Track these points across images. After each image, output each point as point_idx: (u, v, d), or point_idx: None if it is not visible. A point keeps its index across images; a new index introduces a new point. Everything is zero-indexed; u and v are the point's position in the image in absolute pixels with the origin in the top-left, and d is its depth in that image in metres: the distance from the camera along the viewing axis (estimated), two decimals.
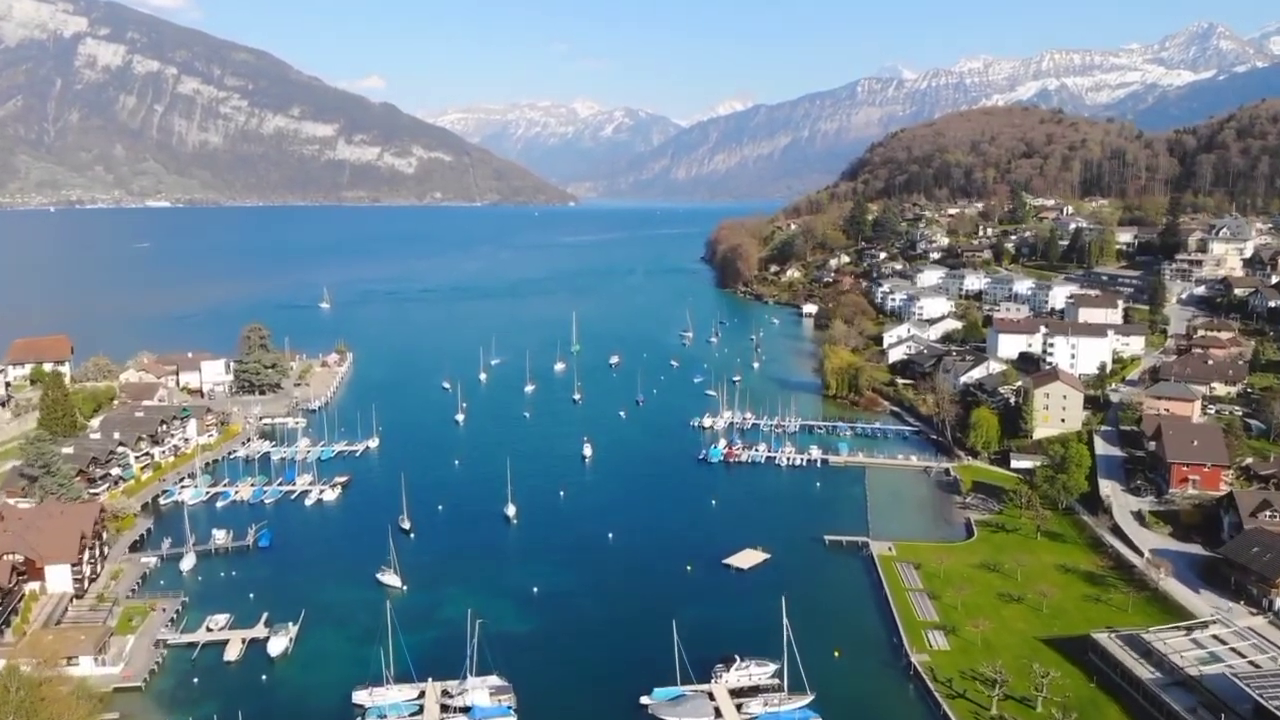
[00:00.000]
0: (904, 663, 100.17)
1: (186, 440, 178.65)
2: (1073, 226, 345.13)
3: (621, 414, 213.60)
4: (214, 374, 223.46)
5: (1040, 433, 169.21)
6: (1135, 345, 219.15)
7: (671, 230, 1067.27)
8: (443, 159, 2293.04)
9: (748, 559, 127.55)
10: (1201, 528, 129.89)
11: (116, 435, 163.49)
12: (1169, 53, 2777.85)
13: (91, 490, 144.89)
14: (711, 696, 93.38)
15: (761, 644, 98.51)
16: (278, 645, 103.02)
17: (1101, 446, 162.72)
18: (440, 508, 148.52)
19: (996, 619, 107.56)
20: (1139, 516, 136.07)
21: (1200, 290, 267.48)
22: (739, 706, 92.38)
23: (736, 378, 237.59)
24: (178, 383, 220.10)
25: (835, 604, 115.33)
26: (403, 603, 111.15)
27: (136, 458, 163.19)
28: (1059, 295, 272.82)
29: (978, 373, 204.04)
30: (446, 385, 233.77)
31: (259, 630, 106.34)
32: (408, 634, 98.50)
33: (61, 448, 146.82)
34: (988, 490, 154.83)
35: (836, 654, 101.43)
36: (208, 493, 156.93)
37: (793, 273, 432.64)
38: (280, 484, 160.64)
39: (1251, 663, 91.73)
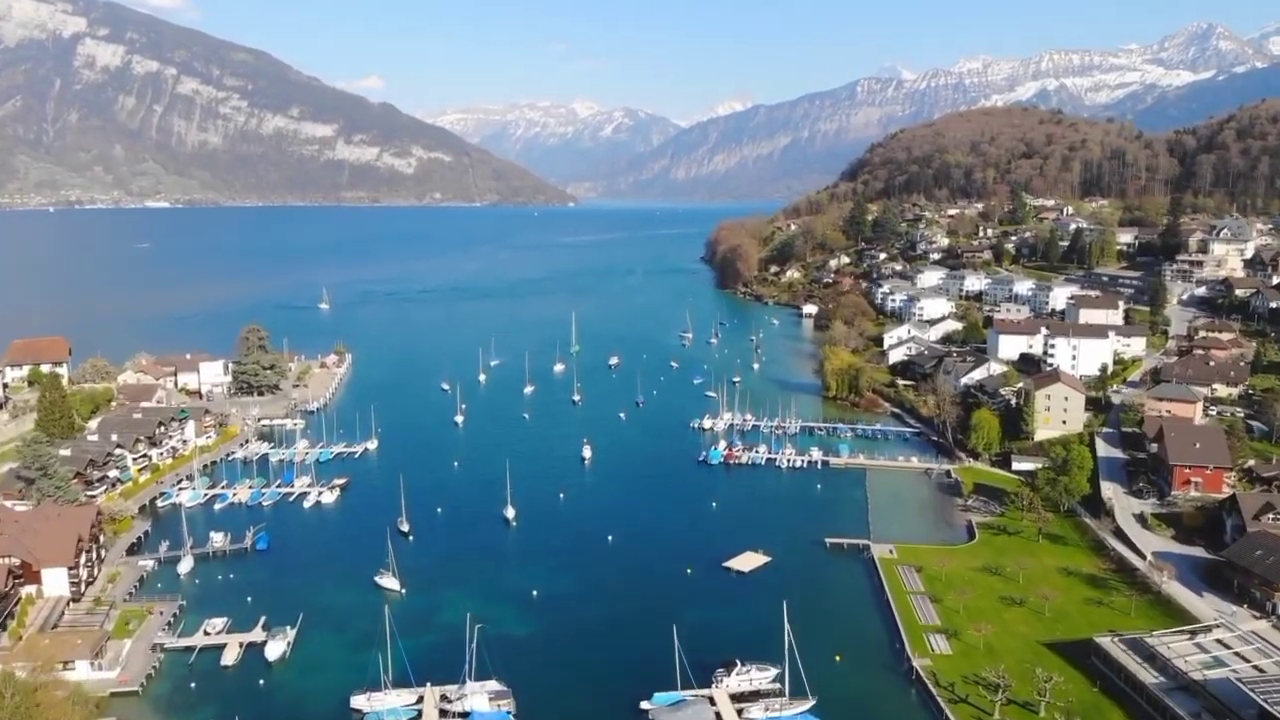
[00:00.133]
0: (906, 667, 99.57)
1: (184, 442, 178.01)
2: (1073, 227, 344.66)
3: (621, 415, 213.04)
4: (212, 375, 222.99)
5: (1041, 434, 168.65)
6: (1136, 346, 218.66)
7: (671, 230, 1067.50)
8: (442, 159, 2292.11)
9: (748, 562, 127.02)
10: (1204, 530, 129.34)
11: (114, 437, 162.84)
12: (1168, 53, 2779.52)
13: (89, 492, 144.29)
14: (712, 701, 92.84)
15: (762, 648, 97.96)
16: (275, 649, 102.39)
17: (1103, 448, 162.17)
18: (439, 510, 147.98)
19: (998, 622, 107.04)
20: (1141, 519, 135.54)
21: (1201, 291, 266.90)
22: (740, 711, 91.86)
23: (736, 379, 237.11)
24: (176, 384, 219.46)
25: (836, 607, 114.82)
26: (401, 606, 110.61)
27: (134, 460, 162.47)
28: (1059, 296, 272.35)
29: (978, 374, 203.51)
30: (446, 386, 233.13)
31: (257, 634, 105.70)
32: (406, 638, 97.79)
33: (59, 450, 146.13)
34: (989, 492, 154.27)
35: (838, 658, 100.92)
36: (206, 495, 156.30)
37: (792, 273, 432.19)
38: (278, 486, 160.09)
39: (1256, 667, 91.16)
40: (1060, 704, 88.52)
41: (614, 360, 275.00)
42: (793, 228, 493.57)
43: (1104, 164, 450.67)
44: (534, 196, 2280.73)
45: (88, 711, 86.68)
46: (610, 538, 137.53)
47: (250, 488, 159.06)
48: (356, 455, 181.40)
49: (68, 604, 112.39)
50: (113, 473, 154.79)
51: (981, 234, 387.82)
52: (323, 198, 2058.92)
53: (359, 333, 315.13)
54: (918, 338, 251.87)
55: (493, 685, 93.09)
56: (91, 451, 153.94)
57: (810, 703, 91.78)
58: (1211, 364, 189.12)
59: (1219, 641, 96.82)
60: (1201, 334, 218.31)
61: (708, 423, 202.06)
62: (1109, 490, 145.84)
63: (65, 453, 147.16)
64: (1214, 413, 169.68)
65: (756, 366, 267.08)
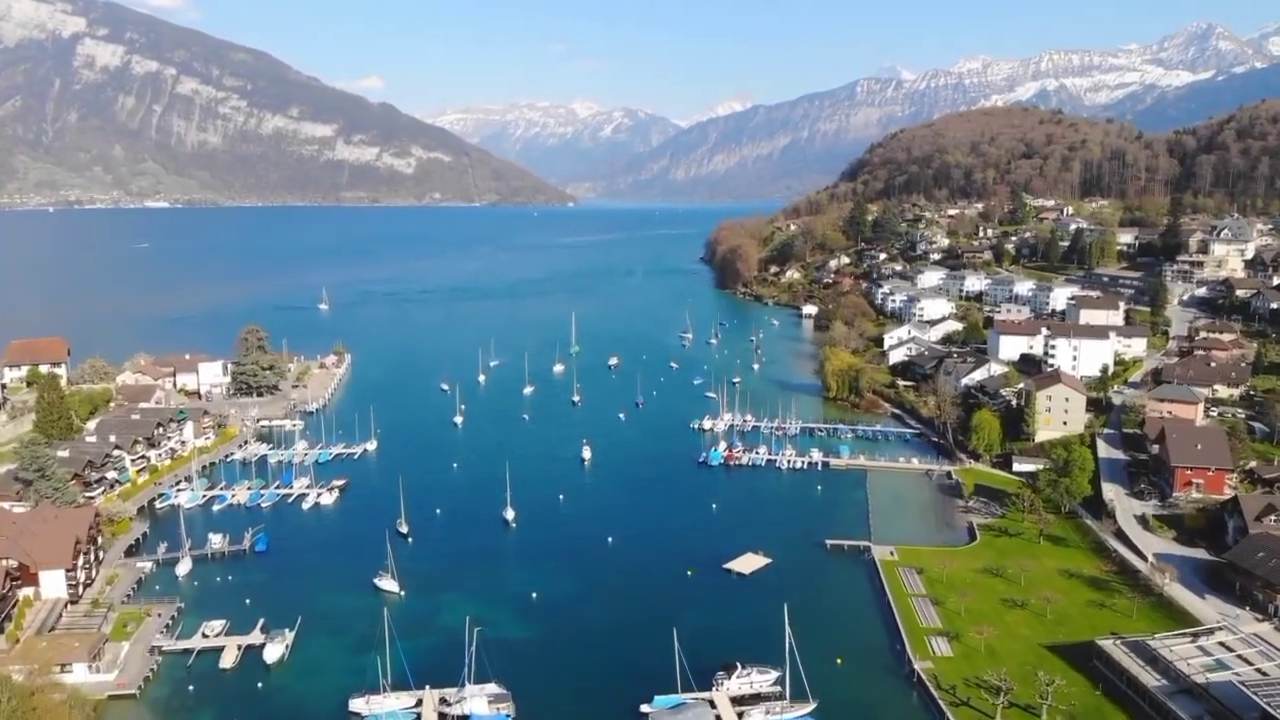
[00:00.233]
0: (907, 670, 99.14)
1: (183, 443, 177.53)
2: (1073, 227, 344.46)
3: (621, 416, 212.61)
4: (211, 376, 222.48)
5: (1042, 435, 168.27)
6: (1137, 347, 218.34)
7: (670, 231, 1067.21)
8: (442, 159, 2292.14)
9: (749, 563, 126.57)
10: (1205, 532, 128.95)
11: (113, 438, 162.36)
12: (1168, 53, 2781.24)
13: (87, 494, 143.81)
14: (713, 704, 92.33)
15: (763, 650, 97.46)
16: (274, 652, 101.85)
17: (1104, 449, 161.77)
18: (438, 511, 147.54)
19: (1000, 625, 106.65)
20: (1142, 520, 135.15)
21: (1202, 292, 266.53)
22: (741, 715, 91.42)
23: (736, 379, 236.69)
24: (175, 385, 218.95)
25: (837, 609, 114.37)
26: (400, 608, 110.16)
27: (132, 461, 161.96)
28: (1060, 296, 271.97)
29: (979, 375, 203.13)
30: (445, 387, 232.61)
31: (255, 637, 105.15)
32: (405, 640, 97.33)
33: (57, 451, 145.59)
34: (990, 494, 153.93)
35: (839, 661, 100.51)
36: (204, 496, 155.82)
37: (792, 274, 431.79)
38: (277, 487, 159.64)
39: (1259, 670, 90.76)
40: (1062, 707, 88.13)
41: (614, 361, 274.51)
42: (792, 228, 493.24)
43: (1104, 164, 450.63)
44: (533, 197, 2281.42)
45: (85, 715, 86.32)
46: (610, 539, 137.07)
47: (249, 489, 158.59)
48: (355, 456, 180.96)
49: (65, 606, 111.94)
50: (111, 474, 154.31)
51: (981, 234, 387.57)
52: (322, 198, 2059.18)
53: (358, 333, 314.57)
54: (918, 338, 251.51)
55: (492, 688, 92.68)
56: (90, 453, 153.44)
57: (811, 705, 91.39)
58: (1212, 365, 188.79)
59: (1221, 644, 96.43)
60: (1202, 335, 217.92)
61: (708, 424, 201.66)
62: (1110, 492, 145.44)
63: (63, 454, 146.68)
64: (1215, 414, 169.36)
65: (756, 367, 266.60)
